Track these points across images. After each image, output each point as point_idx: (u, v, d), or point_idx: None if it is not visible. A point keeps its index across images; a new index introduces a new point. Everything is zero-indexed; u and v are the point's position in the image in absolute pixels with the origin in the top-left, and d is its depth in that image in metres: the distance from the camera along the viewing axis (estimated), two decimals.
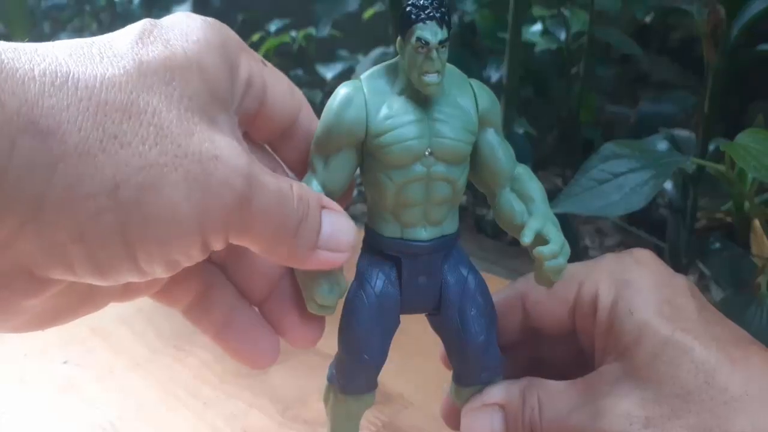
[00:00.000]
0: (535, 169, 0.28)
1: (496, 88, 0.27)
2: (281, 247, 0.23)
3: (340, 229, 0.25)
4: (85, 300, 0.24)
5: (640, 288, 0.28)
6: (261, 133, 0.28)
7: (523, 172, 0.28)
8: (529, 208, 0.27)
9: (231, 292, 0.28)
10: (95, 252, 0.20)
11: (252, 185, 0.22)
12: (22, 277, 0.21)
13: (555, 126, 0.99)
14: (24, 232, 0.19)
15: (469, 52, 0.88)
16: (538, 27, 0.92)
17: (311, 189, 0.25)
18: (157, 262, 0.21)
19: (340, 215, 0.25)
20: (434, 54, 0.24)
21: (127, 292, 0.26)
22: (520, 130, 0.82)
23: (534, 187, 0.27)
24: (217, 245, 0.22)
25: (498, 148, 0.27)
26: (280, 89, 0.27)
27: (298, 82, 0.64)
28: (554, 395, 0.28)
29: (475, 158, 0.27)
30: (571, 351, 0.31)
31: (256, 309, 0.29)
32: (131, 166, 0.19)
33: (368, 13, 0.92)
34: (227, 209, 0.21)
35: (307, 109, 0.28)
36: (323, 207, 0.25)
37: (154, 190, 0.20)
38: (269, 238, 0.23)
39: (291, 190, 0.23)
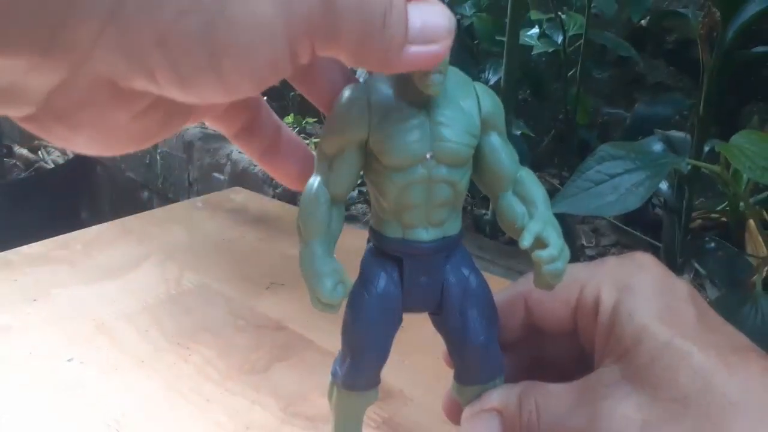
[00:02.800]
0: (532, 170, 0.28)
1: (494, 91, 0.28)
2: (371, 48, 0.22)
3: (430, 18, 0.22)
4: (168, 120, 0.24)
5: (641, 292, 0.28)
6: None
7: (526, 175, 0.28)
8: (530, 211, 0.27)
9: (274, 117, 0.29)
10: (178, 58, 0.19)
11: None
12: (106, 90, 0.21)
13: (552, 128, 1.00)
14: (105, 37, 0.19)
15: (467, 54, 0.88)
16: (535, 30, 0.92)
17: None
18: (244, 74, 0.21)
19: (428, 4, 0.23)
20: None
21: (193, 112, 0.26)
22: (517, 132, 0.83)
23: (536, 190, 0.27)
24: (304, 56, 0.22)
25: (501, 151, 0.27)
26: None
27: None
28: (551, 398, 0.28)
29: (478, 161, 0.27)
30: (572, 350, 0.31)
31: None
32: None
33: None
34: (311, 10, 0.20)
35: None
36: None
37: None
38: (357, 39, 0.22)
39: None
